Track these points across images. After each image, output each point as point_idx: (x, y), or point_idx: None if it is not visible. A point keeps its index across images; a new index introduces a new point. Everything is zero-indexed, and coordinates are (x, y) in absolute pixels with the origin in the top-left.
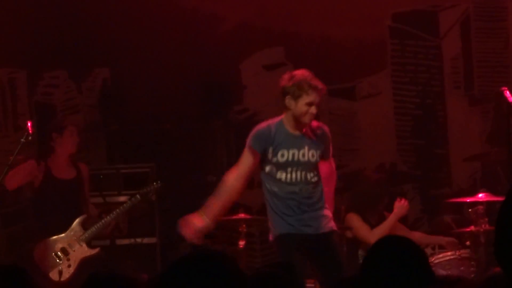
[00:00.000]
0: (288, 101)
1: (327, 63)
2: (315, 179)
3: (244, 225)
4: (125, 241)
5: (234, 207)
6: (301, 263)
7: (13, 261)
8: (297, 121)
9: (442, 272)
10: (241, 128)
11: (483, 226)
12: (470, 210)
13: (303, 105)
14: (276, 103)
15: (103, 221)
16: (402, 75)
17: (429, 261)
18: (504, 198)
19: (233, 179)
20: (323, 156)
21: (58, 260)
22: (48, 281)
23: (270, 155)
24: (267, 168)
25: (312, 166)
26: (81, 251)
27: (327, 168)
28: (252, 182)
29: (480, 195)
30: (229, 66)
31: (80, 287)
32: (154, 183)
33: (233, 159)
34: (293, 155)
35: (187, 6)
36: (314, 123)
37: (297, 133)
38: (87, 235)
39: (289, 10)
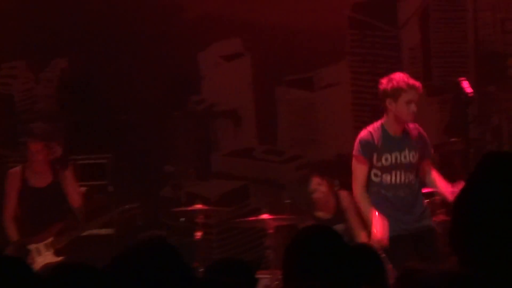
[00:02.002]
0: (389, 102)
1: (285, 54)
2: (416, 180)
3: (201, 216)
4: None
5: (191, 198)
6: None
7: None
8: (398, 122)
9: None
10: (198, 118)
11: (439, 216)
12: (427, 200)
13: (403, 103)
14: (233, 93)
15: (73, 231)
16: (360, 65)
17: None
18: (460, 188)
19: (361, 193)
20: (422, 156)
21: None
22: None
23: (375, 160)
24: (373, 171)
25: (413, 167)
26: (46, 257)
27: (424, 168)
28: (209, 173)
29: None
30: (187, 57)
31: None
32: (135, 205)
33: (191, 150)
34: (396, 158)
35: None
36: (411, 125)
37: (397, 135)
38: (55, 243)
39: (247, 0)
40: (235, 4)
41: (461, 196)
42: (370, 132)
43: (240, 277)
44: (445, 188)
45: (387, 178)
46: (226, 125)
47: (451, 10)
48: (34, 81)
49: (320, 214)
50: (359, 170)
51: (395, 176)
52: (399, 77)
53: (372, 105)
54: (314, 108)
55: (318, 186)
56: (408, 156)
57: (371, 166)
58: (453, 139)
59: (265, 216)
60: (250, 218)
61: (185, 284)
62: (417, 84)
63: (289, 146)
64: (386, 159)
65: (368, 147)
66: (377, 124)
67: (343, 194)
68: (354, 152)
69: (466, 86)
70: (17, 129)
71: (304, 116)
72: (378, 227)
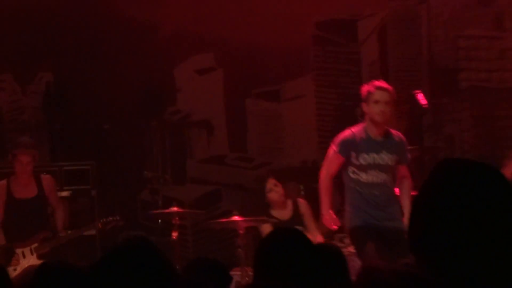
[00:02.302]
0: (364, 106)
1: (254, 68)
2: (392, 181)
3: (177, 218)
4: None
5: (167, 201)
6: (373, 249)
7: None
8: (375, 124)
9: (357, 261)
10: (174, 128)
11: None
12: None
13: (372, 103)
14: (206, 105)
15: (57, 239)
16: (323, 79)
17: (345, 250)
18: (417, 192)
19: (326, 179)
20: (400, 161)
21: (7, 263)
22: None
23: (354, 158)
24: (351, 169)
25: (390, 169)
26: (30, 260)
27: (401, 173)
28: (184, 178)
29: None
30: (164, 71)
31: (32, 276)
32: (117, 217)
33: (167, 157)
34: (373, 158)
35: (125, 15)
36: (393, 132)
37: (377, 138)
38: (39, 248)
39: (219, 19)
40: (208, 22)
41: (418, 200)
42: (353, 132)
43: (216, 275)
44: (405, 206)
45: (363, 176)
46: (200, 134)
47: (407, 28)
48: (21, 93)
49: (276, 214)
50: (332, 160)
51: (371, 175)
52: (372, 83)
53: (335, 116)
54: (281, 118)
55: (274, 187)
56: (385, 158)
57: (346, 163)
58: (409, 147)
59: (236, 218)
60: (222, 220)
61: (168, 281)
62: (385, 85)
63: (258, 153)
64: (364, 159)
65: (348, 145)
66: (360, 126)
67: (301, 201)
68: (334, 145)
69: (421, 98)
70: (4, 138)
71: (271, 126)
72: (325, 212)
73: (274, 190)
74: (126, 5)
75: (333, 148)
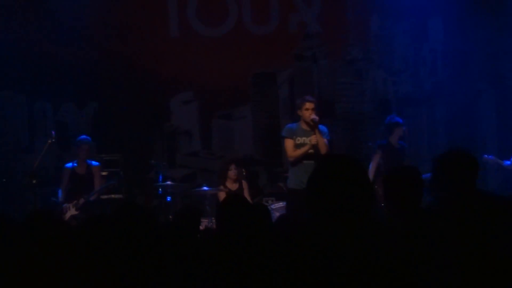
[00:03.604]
0: (299, 112)
1: (216, 100)
2: (318, 156)
3: (171, 189)
4: (104, 196)
5: (165, 178)
6: (297, 204)
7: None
8: (305, 122)
9: (276, 213)
10: (169, 135)
11: None
12: None
13: (304, 110)
14: (188, 121)
15: (87, 194)
16: (257, 107)
17: (269, 207)
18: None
19: (293, 152)
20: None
21: (64, 215)
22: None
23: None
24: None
25: (315, 148)
26: (72, 212)
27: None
28: (175, 164)
29: None
30: (162, 101)
31: (109, 215)
32: (115, 182)
33: (165, 151)
34: (304, 140)
35: (140, 68)
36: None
37: (306, 128)
38: (76, 203)
39: (196, 70)
40: (189, 72)
41: (310, 179)
42: (292, 124)
43: (192, 218)
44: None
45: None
46: (184, 139)
47: (305, 78)
48: (78, 115)
49: (229, 186)
50: (287, 144)
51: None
52: (303, 97)
53: (263, 129)
54: (232, 130)
55: (233, 169)
56: (312, 139)
57: (294, 142)
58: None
59: (205, 188)
60: (197, 189)
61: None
62: (311, 99)
63: (218, 150)
64: (298, 140)
65: (289, 131)
66: (296, 123)
67: (244, 183)
68: (283, 134)
69: (314, 117)
70: (69, 141)
71: (226, 134)
72: (314, 137)
73: (232, 170)
74: (139, 61)
75: (283, 137)
